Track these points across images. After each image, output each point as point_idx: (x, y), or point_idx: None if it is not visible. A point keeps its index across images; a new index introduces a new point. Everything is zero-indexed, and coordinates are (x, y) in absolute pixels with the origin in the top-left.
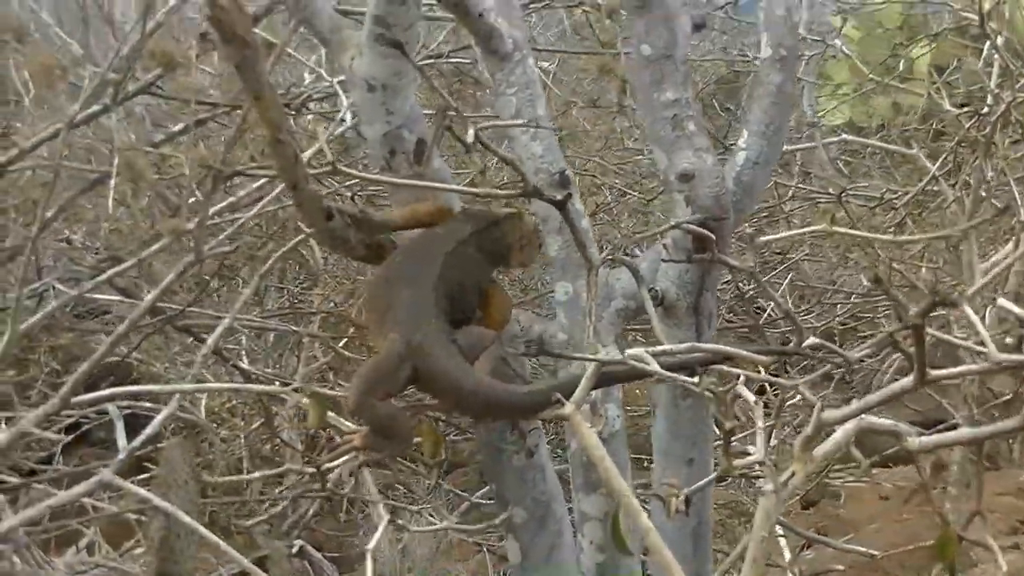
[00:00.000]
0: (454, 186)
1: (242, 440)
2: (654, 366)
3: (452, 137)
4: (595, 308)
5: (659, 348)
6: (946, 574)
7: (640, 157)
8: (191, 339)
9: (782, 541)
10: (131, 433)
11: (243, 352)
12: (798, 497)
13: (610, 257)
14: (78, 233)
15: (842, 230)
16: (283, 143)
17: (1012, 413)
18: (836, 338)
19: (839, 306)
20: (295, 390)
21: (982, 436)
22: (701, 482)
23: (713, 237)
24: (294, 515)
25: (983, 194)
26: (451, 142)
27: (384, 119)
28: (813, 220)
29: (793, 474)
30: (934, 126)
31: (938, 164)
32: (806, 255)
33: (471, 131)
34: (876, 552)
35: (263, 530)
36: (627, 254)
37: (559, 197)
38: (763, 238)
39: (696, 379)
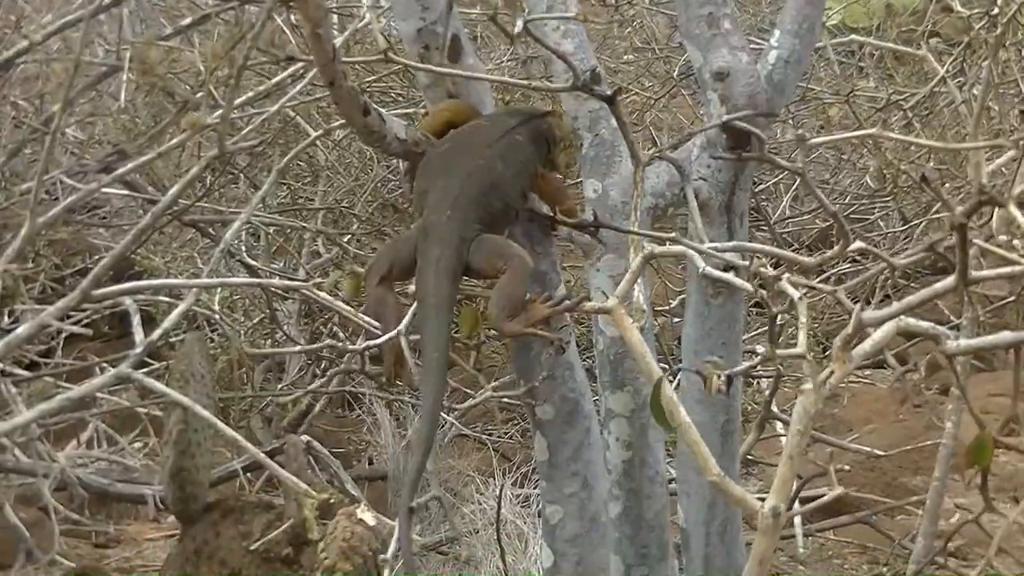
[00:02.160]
0: (502, 78)
1: (242, 335)
2: (699, 260)
3: (499, 29)
4: (640, 203)
5: (705, 245)
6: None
7: (632, 57)
8: (194, 233)
9: (784, 440)
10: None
11: (243, 247)
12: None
13: (657, 154)
14: (72, 127)
15: (892, 135)
16: (322, 39)
17: (1006, 316)
18: (833, 241)
19: (837, 206)
20: (316, 286)
21: (1022, 339)
22: (742, 365)
23: (762, 135)
24: (294, 411)
25: (991, 95)
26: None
27: (419, 15)
28: (823, 121)
29: (832, 372)
30: (929, 27)
31: (947, 66)
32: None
33: (519, 21)
34: (880, 452)
35: (261, 425)
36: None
37: (609, 92)
38: (812, 139)
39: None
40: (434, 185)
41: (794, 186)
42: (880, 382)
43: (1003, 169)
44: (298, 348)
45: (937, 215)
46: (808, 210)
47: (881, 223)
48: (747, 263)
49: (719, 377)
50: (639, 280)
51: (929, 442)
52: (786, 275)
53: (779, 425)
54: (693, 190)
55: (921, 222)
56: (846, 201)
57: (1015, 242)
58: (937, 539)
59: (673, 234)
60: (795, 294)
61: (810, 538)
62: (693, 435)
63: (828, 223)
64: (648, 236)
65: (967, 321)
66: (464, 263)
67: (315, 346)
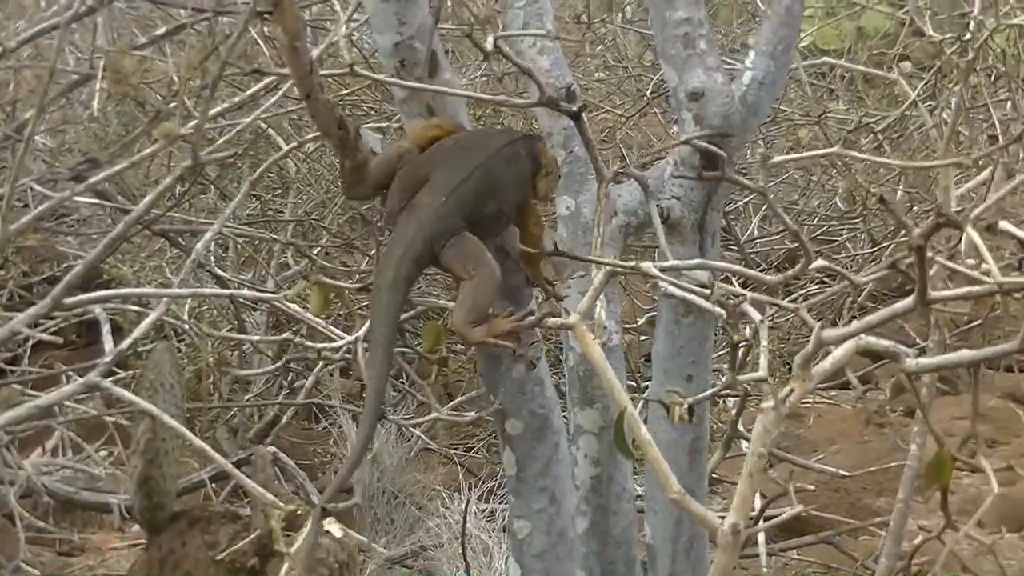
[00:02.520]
0: (471, 92)
1: (209, 346)
2: (663, 279)
3: (472, 44)
4: (602, 220)
5: (668, 263)
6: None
7: (604, 75)
8: (162, 242)
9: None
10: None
11: (211, 258)
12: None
13: (622, 170)
14: (41, 134)
15: (855, 154)
16: (299, 51)
17: (972, 339)
18: (799, 261)
19: (805, 227)
20: (287, 298)
21: (981, 358)
22: (705, 393)
23: (725, 155)
24: (260, 423)
25: (961, 120)
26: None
27: (396, 29)
28: (793, 142)
29: (792, 391)
30: (899, 50)
31: (918, 89)
32: (773, 178)
33: (490, 38)
34: (845, 472)
35: (227, 436)
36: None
37: (574, 108)
38: (776, 159)
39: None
40: (436, 172)
41: (763, 207)
42: (845, 403)
43: (971, 193)
44: (256, 337)
45: (906, 238)
46: (776, 231)
47: (849, 245)
48: (717, 282)
49: (682, 406)
50: (602, 297)
51: (893, 463)
52: (749, 296)
53: (745, 444)
54: (666, 209)
55: (889, 244)
56: (815, 222)
57: (983, 266)
58: (900, 560)
59: (634, 260)
60: (757, 317)
61: (774, 557)
62: (654, 452)
63: (796, 244)
64: (604, 263)
65: (933, 344)
66: (434, 254)
67: (275, 338)
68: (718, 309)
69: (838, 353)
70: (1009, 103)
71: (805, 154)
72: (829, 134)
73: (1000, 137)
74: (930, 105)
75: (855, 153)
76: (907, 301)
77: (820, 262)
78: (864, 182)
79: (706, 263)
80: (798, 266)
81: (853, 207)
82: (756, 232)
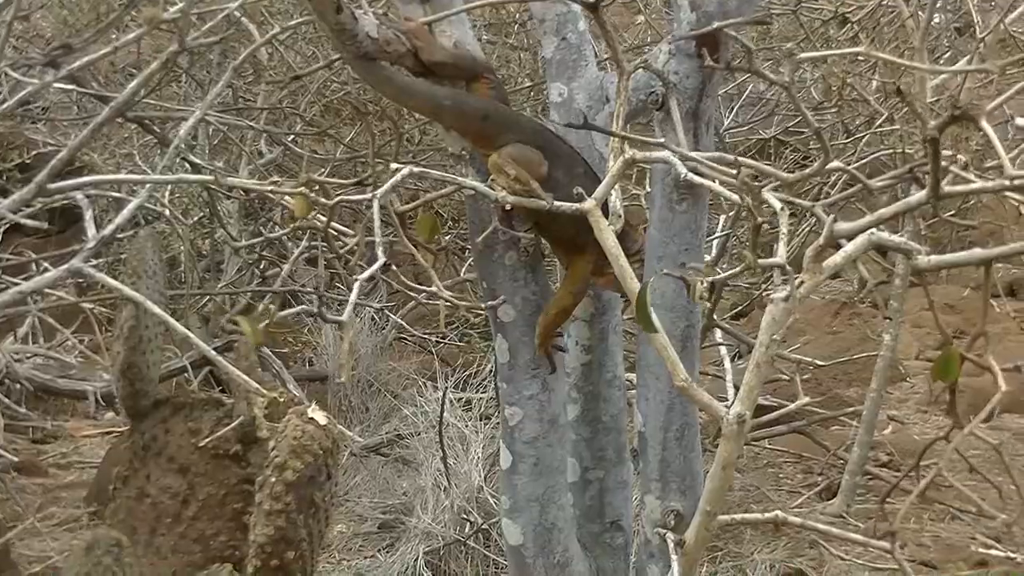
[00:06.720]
0: None
1: (180, 233)
2: (681, 167)
3: None
4: (622, 112)
5: (692, 153)
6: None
7: None
8: (132, 130)
9: (722, 349)
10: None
11: (182, 144)
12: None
13: (642, 64)
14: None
15: (881, 55)
16: None
17: (939, 231)
18: (771, 152)
19: (777, 119)
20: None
21: (993, 256)
22: (725, 274)
23: (751, 45)
24: (233, 310)
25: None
26: None
27: None
28: (762, 32)
29: (802, 283)
30: None
31: None
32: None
33: None
34: (821, 362)
35: (199, 324)
36: None
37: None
38: (803, 55)
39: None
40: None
41: (742, 97)
42: (815, 295)
43: (944, 85)
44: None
45: (880, 129)
46: (747, 122)
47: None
48: (716, 171)
49: (702, 283)
50: (616, 186)
51: (864, 354)
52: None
53: (718, 334)
54: (660, 95)
55: (863, 136)
56: (785, 114)
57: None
58: (872, 450)
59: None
60: (777, 205)
61: (746, 446)
62: (662, 340)
63: (768, 137)
64: (630, 138)
65: (908, 235)
66: (497, 139)
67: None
68: (733, 195)
69: (849, 247)
70: None
71: (831, 52)
72: (797, 24)
73: (976, 28)
74: None
75: (881, 54)
76: (920, 195)
77: (836, 163)
78: (840, 73)
79: (726, 157)
80: (816, 165)
81: (830, 98)
82: (724, 123)
